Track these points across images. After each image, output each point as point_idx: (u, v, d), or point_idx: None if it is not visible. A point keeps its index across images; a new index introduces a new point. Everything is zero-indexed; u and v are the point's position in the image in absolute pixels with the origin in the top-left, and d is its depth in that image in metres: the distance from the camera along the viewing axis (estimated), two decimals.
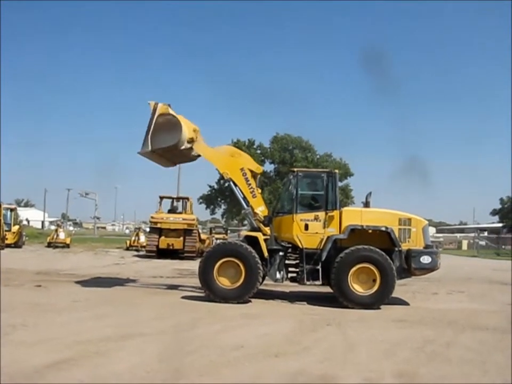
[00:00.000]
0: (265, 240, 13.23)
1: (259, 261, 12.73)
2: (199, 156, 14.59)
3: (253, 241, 13.16)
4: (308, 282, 13.13)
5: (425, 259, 12.96)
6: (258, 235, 13.26)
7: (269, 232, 13.46)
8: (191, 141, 13.78)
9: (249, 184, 13.80)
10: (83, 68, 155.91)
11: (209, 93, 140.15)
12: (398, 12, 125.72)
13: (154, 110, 13.29)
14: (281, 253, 13.38)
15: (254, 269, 12.68)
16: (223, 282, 12.80)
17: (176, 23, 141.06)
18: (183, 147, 13.58)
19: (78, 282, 15.86)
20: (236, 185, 13.97)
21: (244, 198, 13.91)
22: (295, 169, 14.07)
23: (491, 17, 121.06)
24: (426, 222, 13.94)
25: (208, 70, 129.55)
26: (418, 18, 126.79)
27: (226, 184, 13.97)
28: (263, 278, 13.35)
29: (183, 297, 13.45)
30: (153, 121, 13.15)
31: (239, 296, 12.68)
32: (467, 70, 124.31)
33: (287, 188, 14.21)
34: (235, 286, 12.73)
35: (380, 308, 12.48)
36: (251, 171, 14.08)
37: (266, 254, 13.05)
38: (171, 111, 13.43)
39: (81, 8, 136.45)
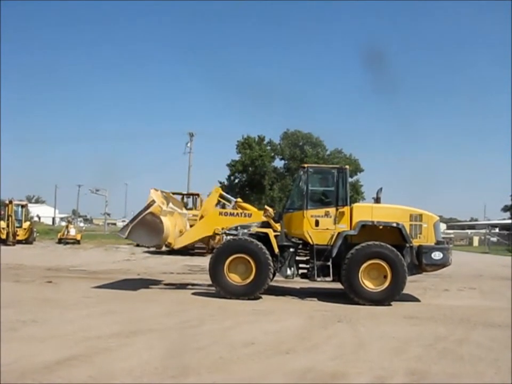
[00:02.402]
0: (275, 236, 13.19)
1: (269, 258, 12.71)
2: None
3: (263, 238, 13.13)
4: (318, 279, 13.08)
5: (437, 255, 12.86)
6: (269, 231, 13.23)
7: (279, 228, 13.42)
8: (168, 244, 13.75)
9: (237, 214, 13.87)
10: (89, 64, 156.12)
11: (219, 91, 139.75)
12: (398, 10, 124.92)
13: (149, 205, 13.05)
14: (291, 249, 13.33)
15: (265, 265, 12.64)
16: (234, 278, 12.79)
17: (182, 20, 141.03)
18: (157, 247, 13.66)
19: (88, 278, 15.91)
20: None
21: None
22: (306, 165, 14.00)
23: (491, 15, 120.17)
24: (438, 218, 13.83)
25: (213, 66, 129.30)
26: (418, 16, 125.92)
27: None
28: (274, 274, 13.31)
29: (193, 294, 13.45)
30: (142, 215, 12.99)
31: (250, 292, 12.66)
32: (480, 64, 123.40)
33: (297, 183, 14.14)
34: (245, 282, 12.71)
35: (390, 305, 12.42)
36: (221, 197, 14.52)
37: (277, 250, 13.02)
38: (163, 215, 13.18)
39: (82, 3, 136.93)
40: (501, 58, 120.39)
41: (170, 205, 14.29)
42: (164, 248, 13.79)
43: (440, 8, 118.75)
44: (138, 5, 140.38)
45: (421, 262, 12.88)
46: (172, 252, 29.17)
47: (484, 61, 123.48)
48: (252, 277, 12.68)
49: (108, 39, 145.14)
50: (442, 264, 13.12)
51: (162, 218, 13.08)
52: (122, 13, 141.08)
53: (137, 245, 37.08)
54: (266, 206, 14.53)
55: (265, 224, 13.71)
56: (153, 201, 13.14)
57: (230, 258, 12.81)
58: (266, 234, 13.18)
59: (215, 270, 12.84)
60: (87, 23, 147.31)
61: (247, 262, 12.75)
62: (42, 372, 6.23)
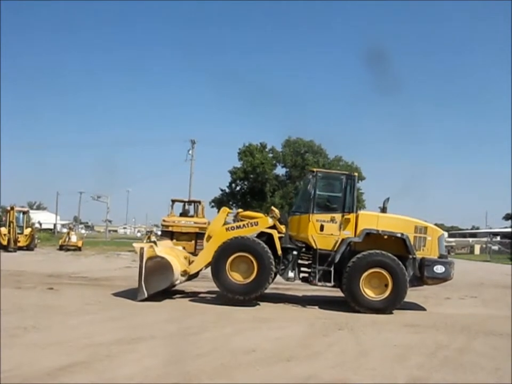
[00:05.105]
0: (279, 238, 13.20)
1: (272, 259, 12.71)
2: None
3: (267, 238, 13.15)
4: (319, 283, 13.08)
5: (439, 268, 12.88)
6: (273, 232, 13.22)
7: (284, 230, 13.43)
8: (185, 273, 13.59)
9: (244, 226, 13.67)
10: (90, 69, 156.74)
11: (220, 96, 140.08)
12: (398, 11, 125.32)
13: (141, 255, 12.94)
14: (295, 252, 13.32)
15: (267, 266, 12.65)
16: (235, 277, 12.80)
17: (182, 26, 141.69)
18: (178, 282, 13.51)
19: (89, 285, 15.91)
20: None
21: None
22: (315, 170, 14.02)
23: (492, 17, 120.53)
24: (443, 232, 13.85)
25: (215, 72, 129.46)
26: (419, 18, 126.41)
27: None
28: (275, 276, 13.32)
29: (194, 300, 13.45)
30: (143, 267, 12.87)
31: (249, 292, 12.67)
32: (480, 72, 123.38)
33: (305, 187, 14.12)
34: (246, 281, 12.72)
35: (392, 313, 12.40)
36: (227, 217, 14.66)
37: (280, 252, 13.03)
38: (158, 252, 13.08)
39: (82, 8, 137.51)
40: (503, 61, 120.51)
41: (159, 245, 14.22)
42: (182, 280, 13.57)
43: (441, 10, 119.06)
44: (138, 10, 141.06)
45: (423, 274, 12.88)
46: None
47: (486, 65, 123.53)
48: (253, 276, 12.67)
49: (108, 44, 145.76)
50: (444, 278, 13.14)
51: (161, 254, 13.04)
52: (124, 18, 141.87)
53: None
54: (272, 207, 14.55)
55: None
56: (142, 248, 13.09)
57: (233, 256, 12.81)
58: (271, 235, 13.20)
59: (217, 267, 12.85)
60: (88, 27, 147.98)
61: (249, 261, 12.74)
62: (44, 378, 6.23)
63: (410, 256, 12.92)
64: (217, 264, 12.91)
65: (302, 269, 13.63)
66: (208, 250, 13.58)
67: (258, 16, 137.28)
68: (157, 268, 12.77)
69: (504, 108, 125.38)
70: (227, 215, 14.79)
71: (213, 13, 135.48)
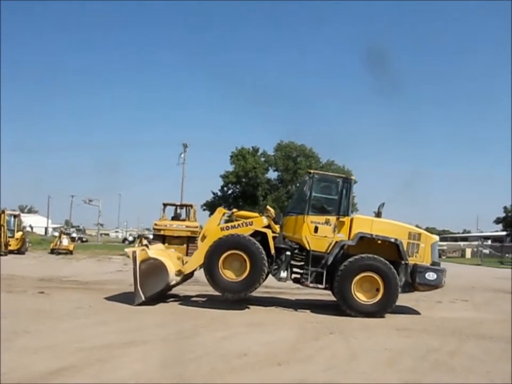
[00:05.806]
0: (273, 237, 13.21)
1: (265, 258, 12.70)
2: None
3: (261, 238, 13.16)
4: (311, 285, 13.10)
5: (431, 275, 12.93)
6: (268, 232, 13.23)
7: (278, 230, 13.45)
8: (179, 273, 13.52)
9: (239, 225, 13.70)
10: (84, 69, 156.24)
11: (213, 99, 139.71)
12: (398, 11, 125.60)
13: (134, 258, 12.84)
14: (288, 252, 13.32)
15: (260, 265, 12.64)
16: (227, 274, 12.78)
17: (180, 25, 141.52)
18: (174, 282, 13.48)
19: (80, 289, 15.85)
20: None
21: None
22: (312, 171, 14.07)
23: (492, 18, 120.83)
24: (436, 239, 13.83)
25: (211, 73, 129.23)
26: (419, 19, 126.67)
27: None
28: (267, 275, 13.32)
29: (186, 304, 13.41)
30: (137, 271, 12.76)
31: (240, 290, 12.70)
32: (470, 73, 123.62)
33: (301, 188, 14.13)
34: (238, 279, 12.70)
35: (383, 316, 12.43)
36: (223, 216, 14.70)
37: (273, 251, 13.04)
38: (151, 254, 13.07)
39: (81, 9, 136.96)
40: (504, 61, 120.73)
41: (151, 248, 14.16)
42: (177, 280, 13.50)
43: (441, 10, 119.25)
44: (138, 10, 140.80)
45: (415, 280, 12.93)
46: None
47: (485, 66, 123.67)
48: (245, 274, 12.66)
49: (99, 45, 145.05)
50: (435, 285, 13.17)
51: (154, 256, 13.02)
52: (123, 18, 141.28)
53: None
54: (268, 206, 14.57)
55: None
56: (135, 252, 13.06)
57: (227, 253, 12.79)
58: (265, 235, 13.21)
59: (210, 264, 12.82)
60: (88, 27, 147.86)
61: (242, 259, 12.72)
62: (35, 382, 6.22)
63: (403, 262, 12.94)
64: (210, 260, 12.87)
65: (295, 269, 13.63)
66: (202, 250, 13.51)
67: (258, 16, 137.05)
68: (151, 269, 12.74)
69: (500, 111, 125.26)
70: (223, 216, 14.78)
71: (206, 17, 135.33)
